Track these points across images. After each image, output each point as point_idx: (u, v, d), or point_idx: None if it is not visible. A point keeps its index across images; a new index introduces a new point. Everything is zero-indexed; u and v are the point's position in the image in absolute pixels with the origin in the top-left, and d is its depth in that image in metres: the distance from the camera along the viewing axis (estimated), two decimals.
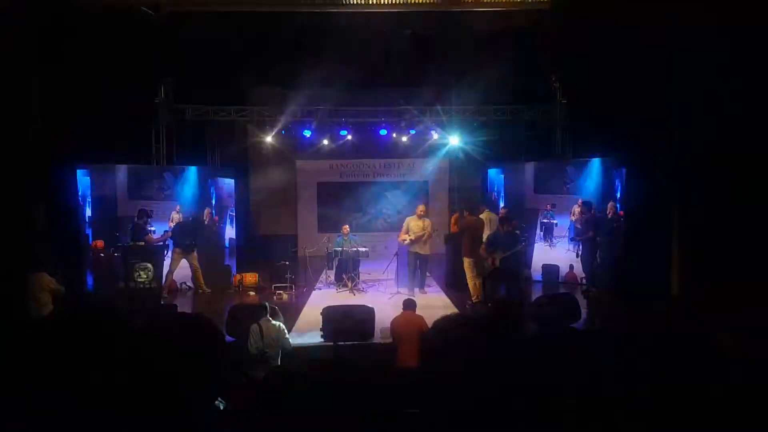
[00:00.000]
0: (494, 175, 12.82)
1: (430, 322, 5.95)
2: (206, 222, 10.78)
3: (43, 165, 8.42)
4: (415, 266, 9.78)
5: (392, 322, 6.26)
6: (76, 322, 1.53)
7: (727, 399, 1.68)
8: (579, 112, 11.57)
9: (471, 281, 8.95)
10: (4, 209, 7.64)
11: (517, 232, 9.17)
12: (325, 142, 13.55)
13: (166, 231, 10.20)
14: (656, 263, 8.80)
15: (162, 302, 8.94)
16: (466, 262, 8.97)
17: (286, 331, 5.95)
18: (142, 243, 9.00)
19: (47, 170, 8.62)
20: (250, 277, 10.50)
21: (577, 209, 10.52)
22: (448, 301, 9.44)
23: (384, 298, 9.33)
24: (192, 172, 11.10)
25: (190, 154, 12.39)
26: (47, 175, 8.65)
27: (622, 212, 10.08)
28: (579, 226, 10.21)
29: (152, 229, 10.02)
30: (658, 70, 8.34)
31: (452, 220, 9.70)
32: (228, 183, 11.73)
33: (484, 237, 8.97)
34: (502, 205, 12.11)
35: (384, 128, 13.02)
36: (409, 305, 6.42)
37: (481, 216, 9.64)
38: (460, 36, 10.69)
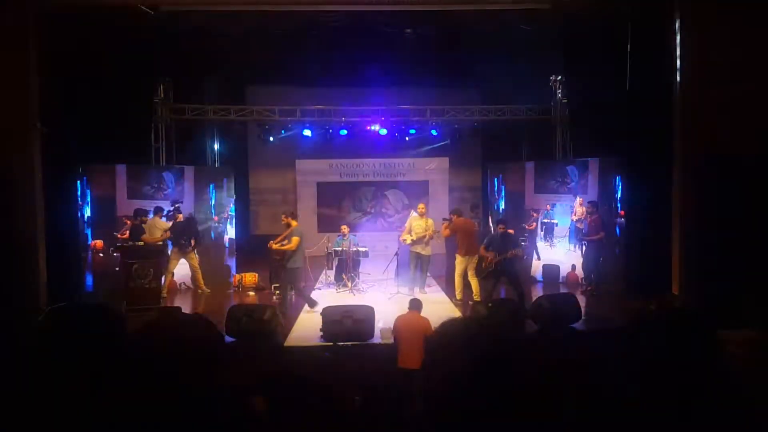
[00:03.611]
0: (494, 174, 12.79)
1: (429, 321, 5.86)
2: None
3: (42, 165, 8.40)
4: (416, 266, 9.77)
5: (396, 320, 6.18)
6: (74, 322, 1.52)
7: (730, 399, 1.66)
8: (579, 112, 11.55)
9: (458, 277, 9.20)
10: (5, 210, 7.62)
11: (523, 235, 9.18)
12: (325, 142, 13.53)
13: (164, 231, 10.15)
14: (657, 263, 8.77)
15: (162, 302, 8.93)
16: (458, 260, 9.19)
17: None
18: (142, 243, 8.99)
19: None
20: (250, 277, 10.48)
21: (579, 209, 10.49)
22: (448, 300, 9.43)
23: (384, 298, 9.32)
24: (191, 172, 11.09)
25: (190, 154, 12.37)
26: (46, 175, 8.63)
27: (623, 212, 10.05)
28: (582, 226, 10.18)
29: None
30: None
31: (443, 226, 9.61)
32: (227, 183, 11.70)
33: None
34: (502, 206, 12.09)
35: (384, 128, 13.00)
36: (416, 306, 6.31)
37: (455, 222, 9.45)
38: (460, 36, 10.68)
